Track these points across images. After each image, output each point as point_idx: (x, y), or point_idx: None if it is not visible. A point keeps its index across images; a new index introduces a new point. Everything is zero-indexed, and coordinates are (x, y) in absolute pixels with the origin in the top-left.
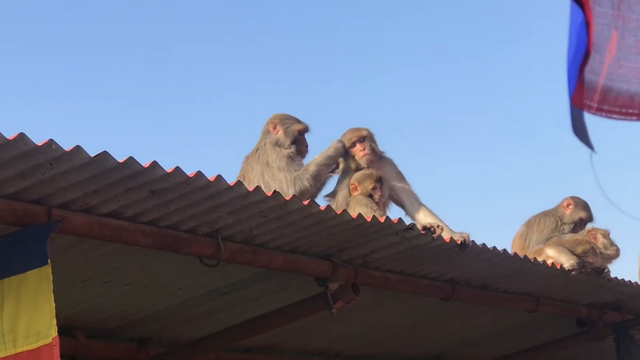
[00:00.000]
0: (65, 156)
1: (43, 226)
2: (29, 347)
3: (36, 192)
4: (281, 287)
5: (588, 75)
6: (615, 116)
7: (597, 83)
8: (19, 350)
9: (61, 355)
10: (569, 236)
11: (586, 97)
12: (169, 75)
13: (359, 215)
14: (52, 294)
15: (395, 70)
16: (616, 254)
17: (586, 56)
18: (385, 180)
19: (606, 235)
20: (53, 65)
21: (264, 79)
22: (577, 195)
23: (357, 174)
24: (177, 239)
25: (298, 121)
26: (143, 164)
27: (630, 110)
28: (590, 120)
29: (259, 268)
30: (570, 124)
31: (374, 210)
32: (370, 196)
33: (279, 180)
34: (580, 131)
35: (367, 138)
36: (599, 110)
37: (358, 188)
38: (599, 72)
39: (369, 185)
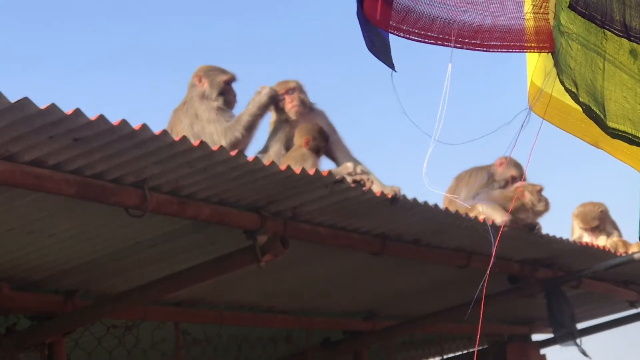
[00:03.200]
0: None
1: None
2: None
3: None
4: (210, 240)
5: None
6: (413, 37)
7: (399, 2)
8: None
9: None
10: (498, 192)
11: (386, 15)
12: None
13: (288, 167)
14: None
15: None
16: (545, 209)
17: None
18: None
19: (534, 191)
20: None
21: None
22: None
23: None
24: (103, 188)
25: (223, 71)
26: (65, 111)
27: (430, 34)
28: (391, 38)
29: (186, 220)
30: (366, 42)
31: (311, 162)
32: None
33: (209, 132)
34: (379, 49)
35: (295, 90)
36: (397, 30)
37: (296, 140)
38: None
39: (301, 138)
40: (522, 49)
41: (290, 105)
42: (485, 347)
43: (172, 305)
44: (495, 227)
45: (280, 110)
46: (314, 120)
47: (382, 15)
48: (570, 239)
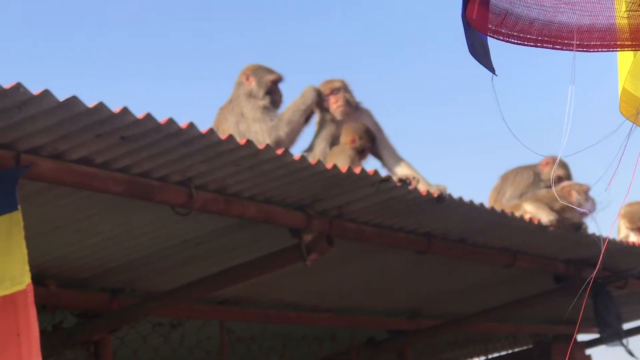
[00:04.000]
0: (34, 100)
1: (11, 171)
2: (5, 293)
3: (4, 136)
4: (255, 239)
5: None
6: (513, 40)
7: (497, 5)
8: None
9: None
10: (544, 191)
11: (484, 18)
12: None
13: (334, 166)
14: (24, 240)
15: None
16: (592, 210)
17: None
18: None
19: (581, 191)
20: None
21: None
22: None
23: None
24: (149, 186)
25: (271, 71)
26: (113, 110)
27: (528, 36)
28: (491, 42)
29: (232, 218)
30: (468, 45)
31: (353, 161)
32: (355, 150)
33: (254, 131)
34: (480, 53)
35: (340, 89)
36: (496, 33)
37: (342, 139)
38: None
39: (347, 137)
40: (623, 47)
41: (336, 105)
42: (529, 346)
43: (217, 304)
44: (541, 226)
45: (325, 110)
46: (360, 119)
47: (481, 18)
48: (617, 239)
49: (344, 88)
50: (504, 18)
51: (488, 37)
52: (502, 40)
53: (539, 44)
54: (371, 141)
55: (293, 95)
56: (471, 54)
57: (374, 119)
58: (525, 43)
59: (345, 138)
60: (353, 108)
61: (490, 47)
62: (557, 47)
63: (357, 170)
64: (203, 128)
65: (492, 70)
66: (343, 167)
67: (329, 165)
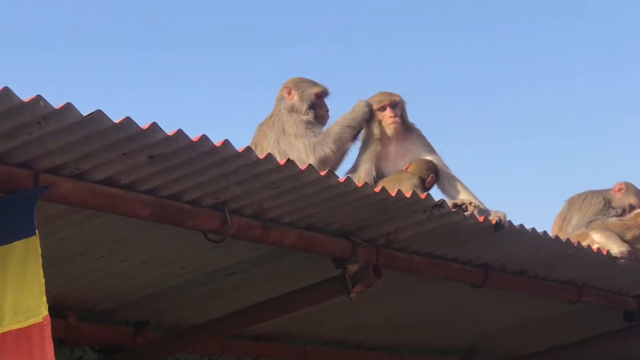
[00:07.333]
0: (55, 114)
1: (29, 192)
2: (18, 326)
3: (22, 154)
4: (294, 268)
5: None
6: None
7: None
8: (6, 329)
9: None
10: (615, 219)
11: None
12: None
13: (382, 189)
14: (42, 268)
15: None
16: None
17: None
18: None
19: None
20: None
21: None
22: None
23: (416, 163)
24: (179, 210)
25: (315, 84)
26: (141, 126)
27: None
28: None
29: (269, 246)
30: None
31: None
32: (422, 181)
33: (297, 148)
34: None
35: (399, 104)
36: None
37: (410, 168)
38: None
39: (425, 172)
40: None
41: (391, 120)
42: None
43: (251, 340)
44: (611, 257)
45: (374, 124)
46: (411, 139)
47: None
48: None
49: (402, 103)
50: None
51: None
52: None
53: None
54: (434, 181)
55: (343, 110)
56: None
57: (426, 140)
58: None
59: (415, 172)
60: (405, 127)
61: None
62: None
63: (408, 194)
64: (239, 146)
65: None
66: (392, 191)
67: (376, 189)
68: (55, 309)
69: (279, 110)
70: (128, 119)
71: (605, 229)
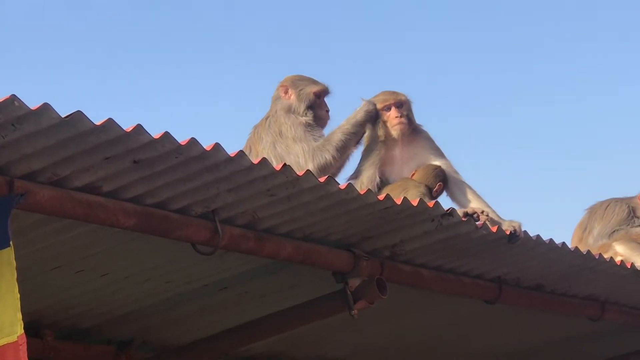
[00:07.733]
0: (31, 115)
1: (3, 200)
2: None
3: None
4: (291, 283)
5: None
6: None
7: None
8: None
9: None
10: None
11: None
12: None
13: (387, 196)
14: (17, 283)
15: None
16: None
17: None
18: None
19: None
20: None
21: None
22: None
23: (422, 169)
24: (166, 220)
25: (314, 82)
26: (125, 128)
27: None
28: None
29: (264, 258)
30: None
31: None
32: (429, 190)
33: (294, 153)
34: None
35: (405, 104)
36: None
37: (415, 175)
38: None
39: (432, 180)
40: None
41: (397, 121)
42: None
43: None
44: (635, 271)
45: (378, 125)
46: (417, 142)
47: None
48: None
49: (408, 103)
50: None
51: None
52: None
53: None
54: (442, 188)
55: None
56: None
57: (434, 143)
58: None
59: (422, 180)
60: (412, 128)
61: None
62: None
63: (415, 202)
64: (231, 150)
65: None
66: (397, 199)
67: (380, 196)
68: (32, 327)
69: (275, 111)
70: (110, 120)
71: (630, 239)
